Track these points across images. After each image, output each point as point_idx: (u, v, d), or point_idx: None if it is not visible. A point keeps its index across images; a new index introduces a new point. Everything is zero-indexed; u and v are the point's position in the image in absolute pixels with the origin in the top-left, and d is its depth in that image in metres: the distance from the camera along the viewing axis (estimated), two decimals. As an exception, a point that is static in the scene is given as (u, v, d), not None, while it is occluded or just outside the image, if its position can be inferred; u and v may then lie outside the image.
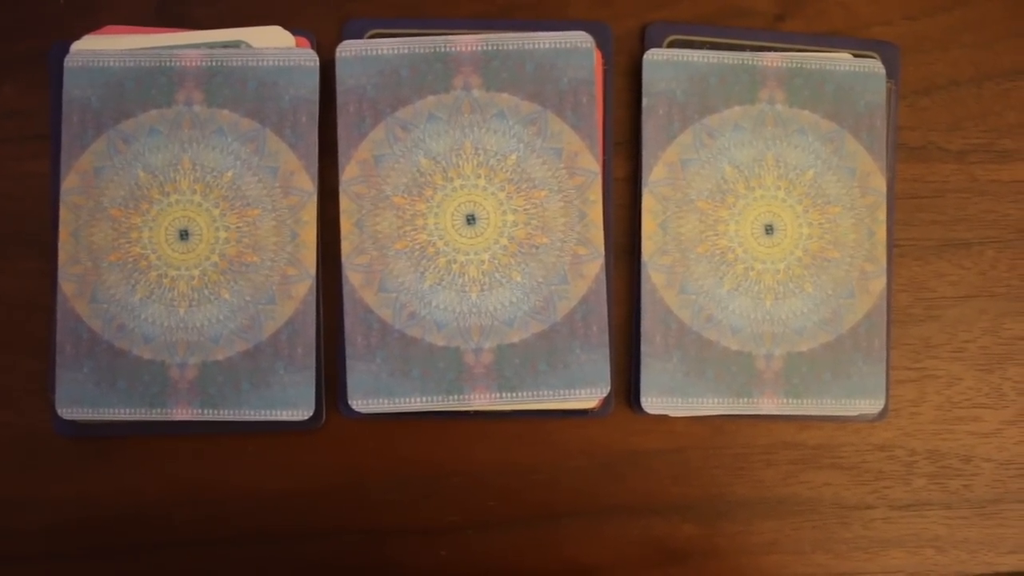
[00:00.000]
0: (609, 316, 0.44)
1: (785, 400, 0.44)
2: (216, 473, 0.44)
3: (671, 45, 0.45)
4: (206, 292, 0.43)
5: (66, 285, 0.43)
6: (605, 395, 0.43)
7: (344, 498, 0.44)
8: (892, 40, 0.46)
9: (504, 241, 0.43)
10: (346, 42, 0.44)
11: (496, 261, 0.43)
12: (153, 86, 0.43)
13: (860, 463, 0.45)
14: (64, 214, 0.43)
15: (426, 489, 0.44)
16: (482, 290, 0.43)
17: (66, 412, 0.43)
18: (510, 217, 0.43)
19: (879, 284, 0.45)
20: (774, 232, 0.44)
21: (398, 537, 0.44)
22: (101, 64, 0.43)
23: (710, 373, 0.44)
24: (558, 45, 0.44)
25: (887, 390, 0.45)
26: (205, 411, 0.43)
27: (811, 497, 0.45)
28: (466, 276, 0.43)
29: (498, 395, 0.43)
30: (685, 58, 0.44)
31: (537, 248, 0.43)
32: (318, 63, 0.44)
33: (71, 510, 0.44)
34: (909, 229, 0.46)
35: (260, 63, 0.44)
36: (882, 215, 0.45)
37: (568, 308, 0.43)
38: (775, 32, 0.46)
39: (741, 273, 0.44)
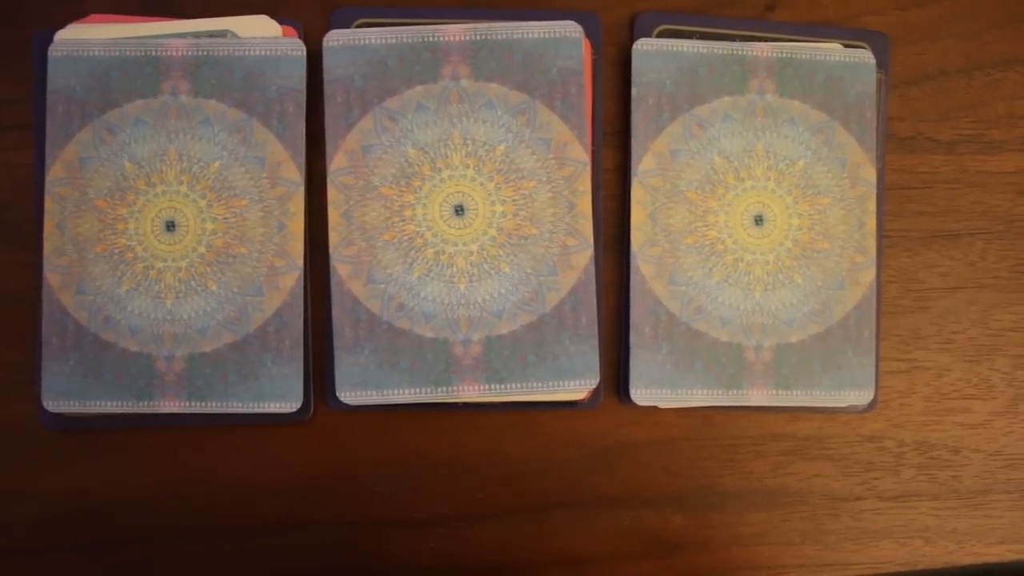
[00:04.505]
0: (598, 307, 0.43)
1: (775, 391, 0.44)
2: (203, 465, 0.44)
3: (660, 35, 0.45)
4: (193, 284, 0.43)
5: (51, 277, 0.43)
6: (594, 386, 0.43)
7: (332, 490, 0.44)
8: (883, 30, 0.46)
9: (493, 232, 0.43)
10: (333, 31, 0.43)
11: (485, 252, 0.43)
12: (139, 76, 0.43)
13: (849, 454, 0.45)
14: (49, 205, 0.43)
15: (415, 481, 0.44)
16: (471, 281, 0.43)
17: (52, 405, 0.42)
18: (499, 208, 0.43)
19: (869, 275, 0.45)
20: (764, 223, 0.44)
21: (387, 529, 0.44)
22: (86, 53, 0.43)
23: (699, 364, 0.44)
24: (547, 35, 0.43)
25: (876, 381, 0.45)
26: (192, 403, 0.43)
27: (800, 488, 0.45)
28: (455, 267, 0.43)
29: (487, 387, 0.43)
30: (675, 48, 0.44)
31: (526, 239, 0.43)
32: (305, 53, 0.43)
33: (58, 503, 0.44)
34: (899, 220, 0.46)
35: (247, 53, 0.43)
36: (872, 206, 0.45)
37: (557, 299, 0.43)
38: (765, 22, 0.46)
39: (731, 264, 0.44)
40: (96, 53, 0.43)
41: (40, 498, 0.44)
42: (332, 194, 0.43)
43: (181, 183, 0.43)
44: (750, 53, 0.44)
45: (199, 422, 0.43)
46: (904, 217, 0.46)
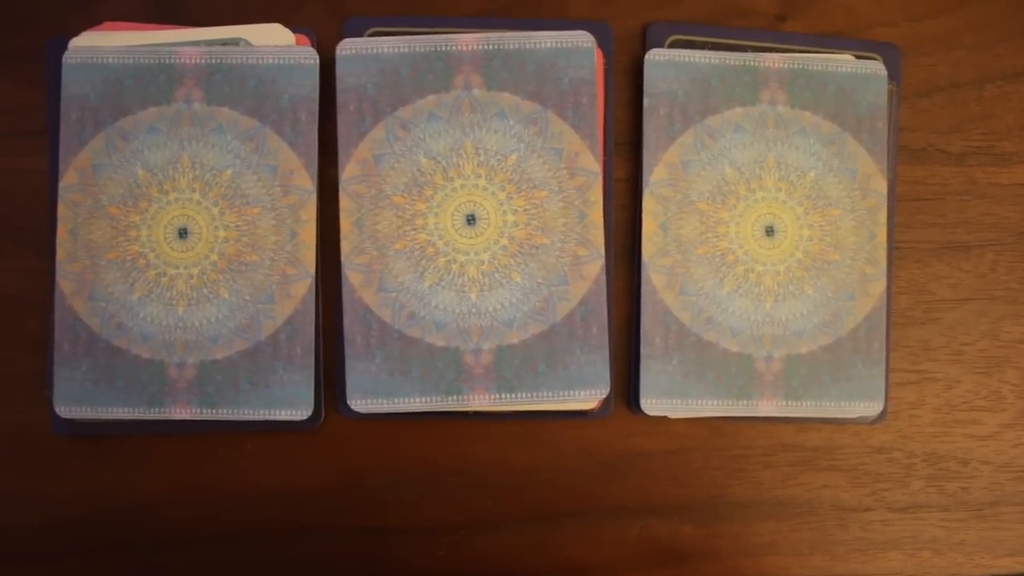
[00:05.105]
0: (609, 317, 0.43)
1: (784, 402, 0.44)
2: (214, 472, 0.44)
3: (672, 45, 0.45)
4: (205, 291, 0.43)
5: (64, 283, 0.43)
6: (605, 396, 0.43)
7: (342, 498, 0.44)
8: (894, 42, 0.46)
9: (504, 241, 0.43)
10: (346, 40, 0.43)
11: (496, 261, 0.43)
12: (152, 83, 0.43)
13: (858, 465, 0.46)
14: (62, 211, 0.43)
15: (425, 489, 0.44)
16: (482, 290, 0.43)
17: (64, 410, 0.42)
18: (510, 217, 0.43)
19: (879, 286, 0.45)
20: (775, 234, 0.44)
21: (397, 537, 0.44)
22: (100, 61, 0.43)
23: (710, 375, 0.44)
24: (559, 44, 0.44)
25: (886, 392, 0.45)
26: (204, 410, 0.43)
27: (809, 499, 0.45)
28: (466, 276, 0.43)
29: (497, 396, 0.43)
30: (686, 58, 0.44)
31: (537, 249, 0.43)
32: (318, 61, 0.43)
33: (69, 508, 0.44)
34: (909, 231, 0.46)
35: (260, 61, 0.43)
36: (883, 217, 0.45)
37: (568, 309, 0.43)
38: (777, 33, 0.46)
39: (741, 275, 0.44)
40: (110, 60, 0.43)
41: (51, 503, 0.44)
42: (344, 202, 0.43)
43: (194, 191, 0.43)
44: (762, 64, 0.44)
45: (210, 429, 0.43)
46: (914, 228, 0.46)
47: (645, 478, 0.45)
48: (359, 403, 0.43)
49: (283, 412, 0.43)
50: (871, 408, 0.45)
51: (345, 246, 0.43)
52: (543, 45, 0.43)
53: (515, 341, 0.43)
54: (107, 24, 0.44)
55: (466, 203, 0.43)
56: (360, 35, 0.44)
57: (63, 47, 0.43)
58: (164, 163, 0.43)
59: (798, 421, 0.45)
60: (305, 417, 0.43)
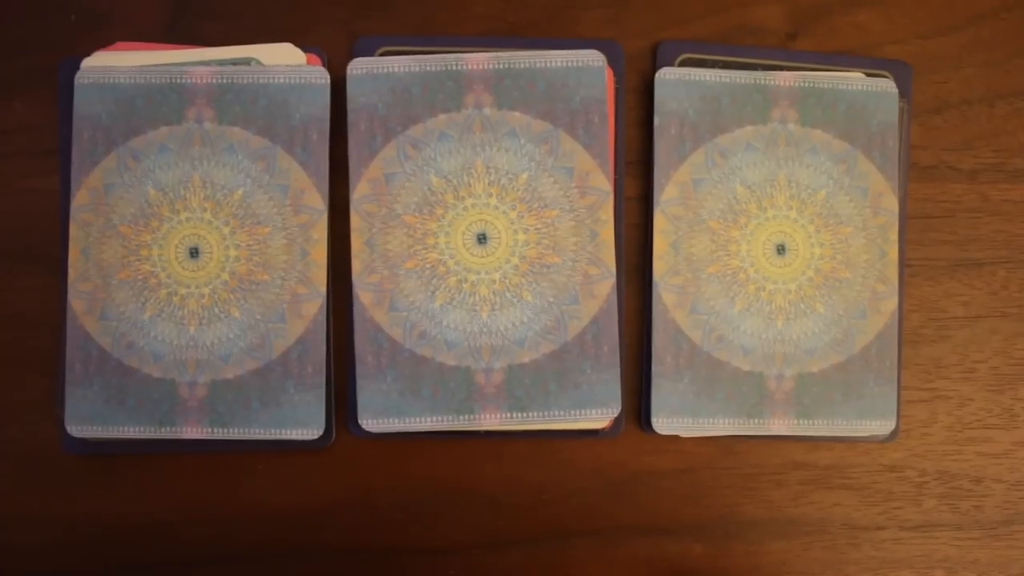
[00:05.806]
0: (620, 336, 0.43)
1: (796, 421, 0.44)
2: (225, 491, 0.44)
3: (683, 64, 0.45)
4: (216, 310, 0.43)
5: (76, 302, 0.43)
6: (616, 415, 0.43)
7: (353, 517, 0.44)
8: (905, 59, 0.46)
9: (515, 260, 0.43)
10: (357, 59, 0.44)
11: (507, 280, 0.43)
12: (163, 103, 0.43)
13: (870, 484, 0.45)
14: (74, 231, 0.43)
15: (436, 508, 0.44)
16: (493, 310, 0.43)
17: (75, 430, 0.43)
18: (521, 236, 0.43)
19: (891, 304, 0.45)
20: (786, 252, 0.44)
21: (408, 556, 0.44)
22: (111, 81, 0.43)
23: (721, 393, 0.44)
24: (570, 63, 0.44)
25: (898, 411, 0.45)
26: (215, 429, 0.43)
27: (821, 517, 0.45)
28: (477, 295, 0.43)
29: (508, 415, 0.43)
30: (697, 77, 0.44)
31: (548, 268, 0.43)
32: (329, 80, 0.44)
33: (80, 527, 0.44)
34: (921, 249, 0.46)
35: (271, 80, 0.43)
36: (894, 235, 0.45)
37: (579, 328, 0.43)
38: (787, 51, 0.46)
39: (752, 293, 0.44)
40: (121, 80, 0.43)
41: (62, 522, 0.44)
42: (355, 222, 0.43)
43: (205, 210, 0.43)
44: (772, 82, 0.44)
45: (221, 448, 0.43)
46: (926, 246, 0.46)
47: (656, 497, 0.45)
48: (370, 422, 0.43)
49: (294, 432, 0.43)
50: (883, 426, 0.44)
51: (356, 265, 0.43)
52: (554, 64, 0.44)
53: (526, 360, 0.43)
54: (119, 44, 0.44)
55: (477, 222, 0.43)
56: (371, 54, 0.44)
57: (75, 67, 0.43)
58: (175, 182, 0.43)
59: (809, 439, 0.45)
60: (316, 436, 0.43)
